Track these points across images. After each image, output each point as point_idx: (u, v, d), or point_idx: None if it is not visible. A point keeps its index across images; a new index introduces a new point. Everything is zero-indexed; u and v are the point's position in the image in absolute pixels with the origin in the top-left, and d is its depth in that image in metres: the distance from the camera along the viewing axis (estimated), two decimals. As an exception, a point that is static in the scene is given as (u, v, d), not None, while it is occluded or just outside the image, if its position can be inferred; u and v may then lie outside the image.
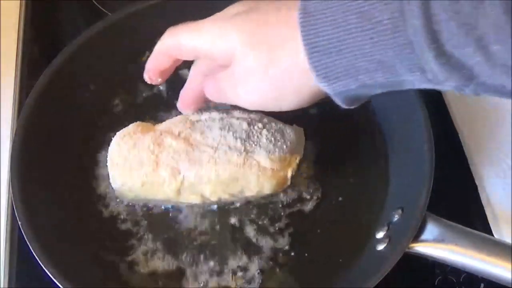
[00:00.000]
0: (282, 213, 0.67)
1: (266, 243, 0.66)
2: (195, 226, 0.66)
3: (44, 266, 0.58)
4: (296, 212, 0.68)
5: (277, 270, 0.64)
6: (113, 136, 0.66)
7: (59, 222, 0.65)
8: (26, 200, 0.62)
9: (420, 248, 0.60)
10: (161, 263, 0.64)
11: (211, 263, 0.64)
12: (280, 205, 0.68)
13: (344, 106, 0.52)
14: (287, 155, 0.64)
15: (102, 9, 0.87)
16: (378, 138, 0.73)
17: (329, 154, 0.71)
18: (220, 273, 0.64)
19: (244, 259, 0.65)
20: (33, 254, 0.58)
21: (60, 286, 0.57)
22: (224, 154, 0.63)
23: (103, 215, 0.67)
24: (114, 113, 0.74)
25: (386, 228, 0.64)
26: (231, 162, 0.62)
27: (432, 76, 0.44)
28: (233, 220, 0.67)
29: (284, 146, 0.64)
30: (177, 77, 0.77)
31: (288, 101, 0.54)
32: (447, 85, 0.45)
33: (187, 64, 0.64)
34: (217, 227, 0.66)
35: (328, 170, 0.70)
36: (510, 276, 0.57)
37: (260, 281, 0.64)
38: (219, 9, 0.77)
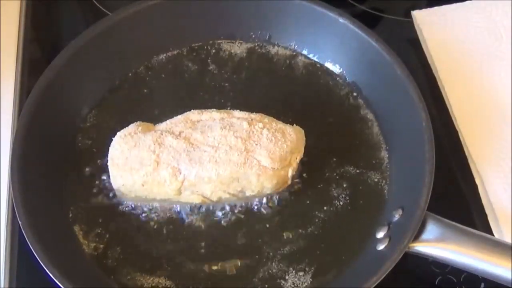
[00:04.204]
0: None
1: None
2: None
3: (44, 266, 0.58)
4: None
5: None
6: (114, 136, 0.66)
7: (59, 222, 0.66)
8: (26, 200, 0.62)
9: (420, 248, 0.60)
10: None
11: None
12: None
13: None
14: (287, 155, 0.64)
15: (102, 9, 0.87)
16: (379, 139, 0.73)
17: (329, 154, 0.71)
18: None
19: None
20: (33, 254, 0.58)
21: (60, 286, 0.57)
22: (224, 153, 0.62)
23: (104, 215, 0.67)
24: (115, 112, 0.74)
25: (386, 228, 0.64)
26: (231, 162, 0.62)
27: None
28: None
29: (285, 146, 0.64)
30: (177, 77, 0.77)
31: None
32: None
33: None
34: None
35: (328, 171, 0.70)
36: (510, 276, 0.57)
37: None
38: (219, 9, 0.78)
